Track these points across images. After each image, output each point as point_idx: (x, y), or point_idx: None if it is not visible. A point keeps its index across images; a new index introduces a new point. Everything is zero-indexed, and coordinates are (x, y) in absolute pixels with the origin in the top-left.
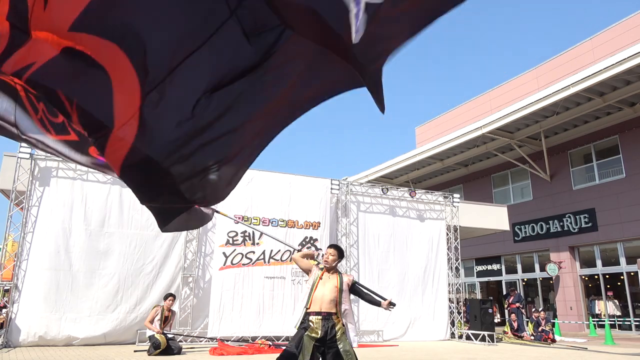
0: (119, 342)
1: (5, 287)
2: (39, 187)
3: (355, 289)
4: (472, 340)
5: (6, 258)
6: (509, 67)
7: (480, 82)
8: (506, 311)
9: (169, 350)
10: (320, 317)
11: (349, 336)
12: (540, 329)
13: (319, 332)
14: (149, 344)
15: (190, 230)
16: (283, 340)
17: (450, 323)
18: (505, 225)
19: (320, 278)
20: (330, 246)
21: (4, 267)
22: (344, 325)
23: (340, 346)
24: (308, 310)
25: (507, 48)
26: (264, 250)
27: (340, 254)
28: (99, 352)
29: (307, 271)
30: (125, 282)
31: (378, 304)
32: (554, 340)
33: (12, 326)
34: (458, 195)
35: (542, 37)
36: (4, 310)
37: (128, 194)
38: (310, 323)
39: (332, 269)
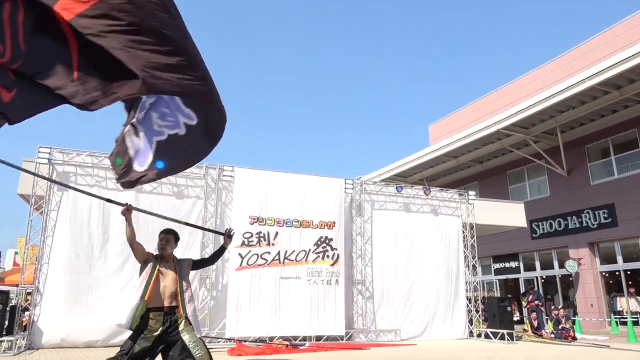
0: None
1: (28, 290)
2: (57, 192)
3: (198, 264)
4: (491, 338)
5: (28, 261)
6: (523, 61)
7: (493, 78)
8: (525, 309)
9: None
10: (162, 312)
11: (196, 327)
12: (560, 326)
13: (159, 329)
14: None
15: (207, 233)
16: (300, 340)
17: (469, 321)
18: (522, 222)
19: (159, 269)
20: (164, 232)
21: (25, 270)
22: (187, 318)
23: (185, 338)
24: (149, 307)
25: (521, 42)
26: (279, 251)
27: (176, 238)
28: None
29: (143, 261)
30: None
31: (223, 248)
32: (574, 338)
33: (34, 328)
34: (473, 193)
35: (557, 30)
36: (26, 313)
37: (144, 198)
38: (150, 321)
39: (169, 257)
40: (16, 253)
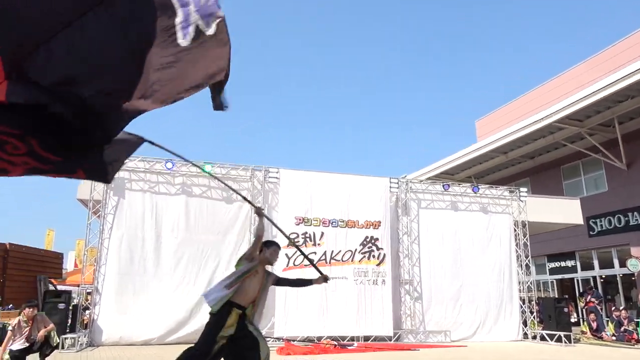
0: (192, 342)
1: (87, 290)
2: (114, 197)
3: (279, 281)
4: (547, 340)
5: (87, 263)
6: (574, 52)
7: (541, 71)
8: (583, 310)
9: None
10: (240, 311)
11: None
12: (622, 328)
13: (233, 325)
14: None
15: (254, 233)
16: (348, 340)
17: (523, 323)
18: (578, 219)
19: (256, 271)
20: (276, 245)
21: (85, 271)
22: (252, 324)
23: (254, 333)
24: (232, 300)
25: (573, 31)
26: (325, 251)
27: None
28: (173, 351)
29: (252, 258)
30: (195, 284)
31: (309, 282)
32: (638, 341)
33: (94, 326)
34: (525, 189)
35: (610, 17)
36: (87, 312)
37: (194, 202)
38: (229, 314)
39: (267, 266)
40: (77, 255)
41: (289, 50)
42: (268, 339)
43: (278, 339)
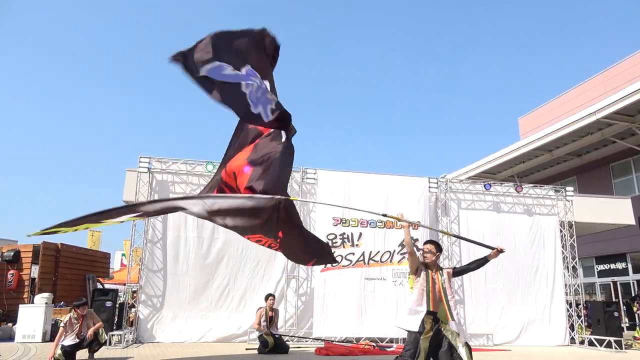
0: (231, 340)
1: (133, 289)
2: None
3: (459, 272)
4: (596, 346)
5: (133, 262)
6: (622, 45)
7: (586, 66)
8: (636, 315)
9: (277, 349)
10: (432, 316)
11: (460, 331)
12: None
13: (431, 330)
14: (259, 343)
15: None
16: (387, 342)
17: (570, 327)
18: (629, 219)
19: (432, 278)
20: (425, 242)
21: (131, 271)
22: (452, 320)
23: (450, 337)
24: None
25: (620, 25)
26: (363, 252)
27: (438, 248)
28: (215, 349)
29: (416, 269)
30: (235, 284)
31: (486, 259)
32: None
33: (139, 324)
34: (571, 188)
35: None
36: (132, 310)
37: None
38: (425, 323)
39: (433, 265)
40: (123, 255)
41: (289, 50)
42: (307, 340)
43: (317, 339)
